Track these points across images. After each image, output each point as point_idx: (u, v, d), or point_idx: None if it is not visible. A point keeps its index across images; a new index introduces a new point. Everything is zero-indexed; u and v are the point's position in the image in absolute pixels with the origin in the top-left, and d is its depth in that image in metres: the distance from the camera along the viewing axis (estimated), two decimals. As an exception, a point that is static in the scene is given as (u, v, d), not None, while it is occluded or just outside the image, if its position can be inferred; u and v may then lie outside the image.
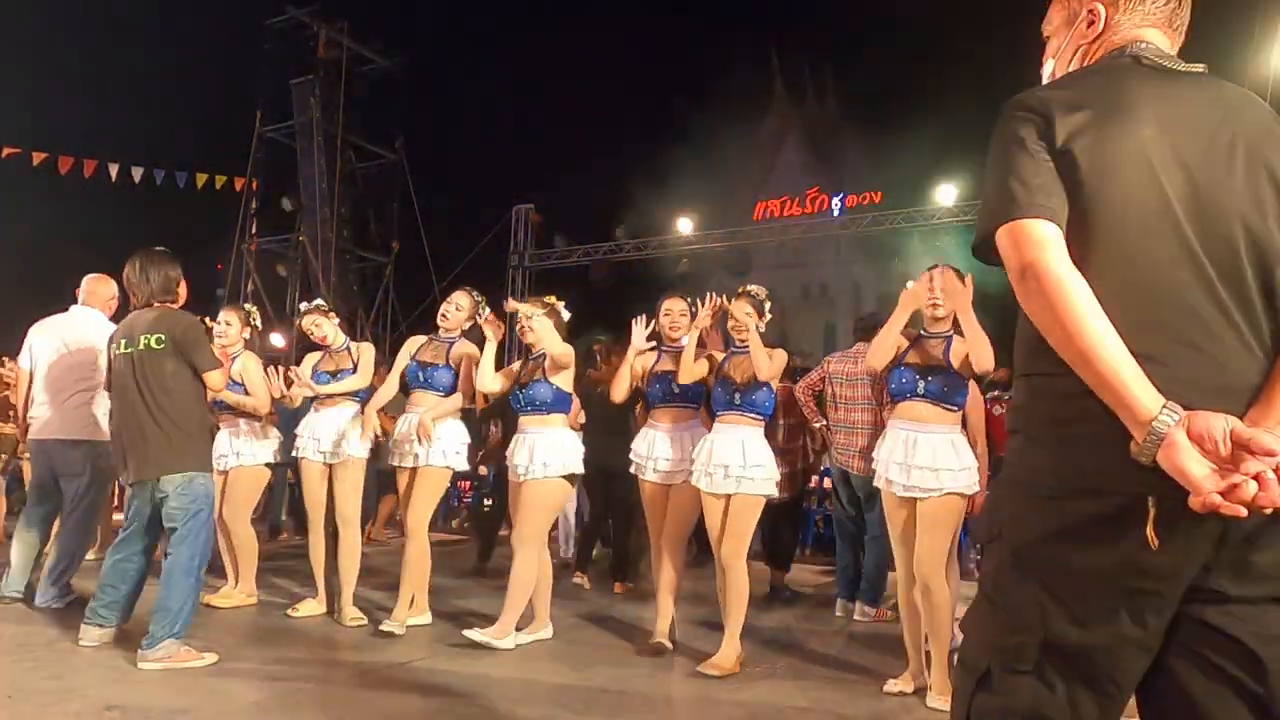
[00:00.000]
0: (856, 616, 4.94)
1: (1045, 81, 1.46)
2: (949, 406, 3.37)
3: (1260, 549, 1.14)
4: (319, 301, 4.87)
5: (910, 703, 3.34)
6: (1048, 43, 1.49)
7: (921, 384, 3.36)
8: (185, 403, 3.66)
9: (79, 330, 4.66)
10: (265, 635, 4.15)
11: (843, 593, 5.16)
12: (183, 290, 3.88)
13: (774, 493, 3.89)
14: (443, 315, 4.42)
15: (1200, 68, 1.33)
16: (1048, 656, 1.20)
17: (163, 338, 3.62)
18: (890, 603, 4.77)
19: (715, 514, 3.83)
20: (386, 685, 3.36)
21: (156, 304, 3.75)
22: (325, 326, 4.68)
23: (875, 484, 4.10)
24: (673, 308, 4.15)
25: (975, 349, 3.26)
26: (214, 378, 3.73)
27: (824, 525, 7.94)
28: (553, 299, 4.20)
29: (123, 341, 3.71)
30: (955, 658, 2.40)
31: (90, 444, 4.50)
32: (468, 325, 4.43)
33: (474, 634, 3.91)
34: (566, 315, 4.17)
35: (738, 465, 3.74)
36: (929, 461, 3.29)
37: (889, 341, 3.49)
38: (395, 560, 4.52)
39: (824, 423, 5.19)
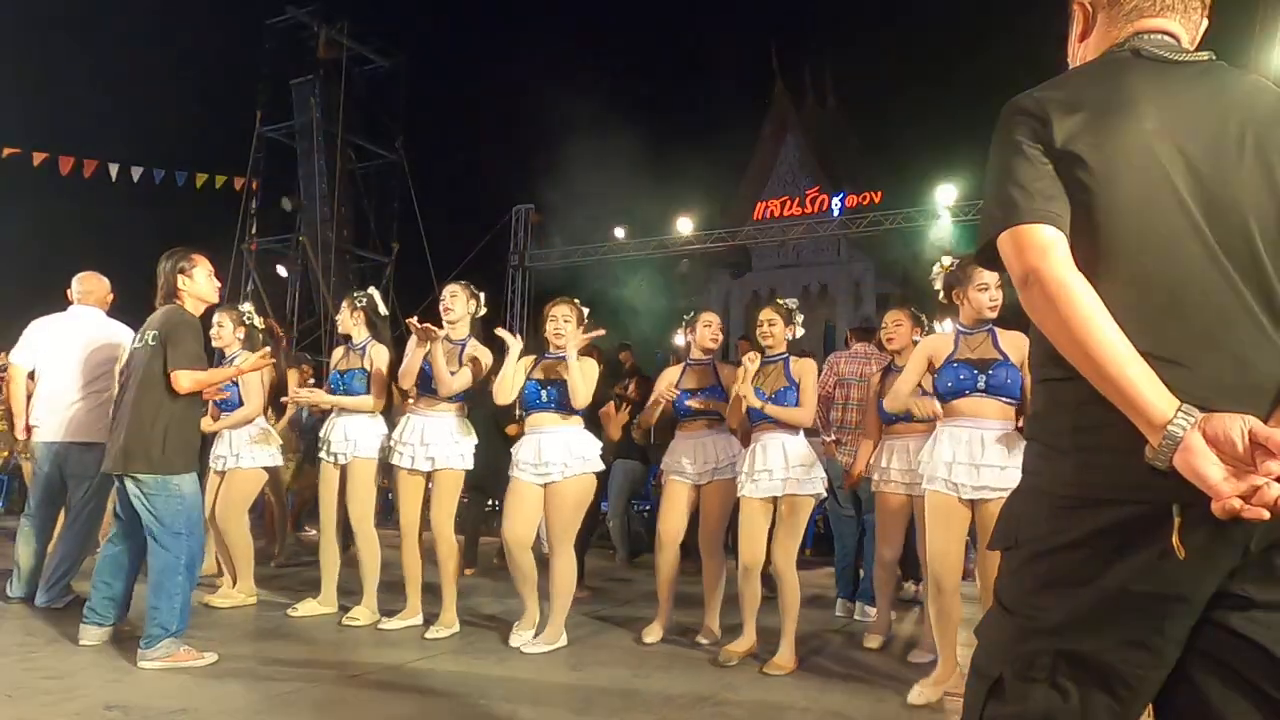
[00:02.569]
0: (857, 616, 4.94)
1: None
2: (1010, 401, 3.18)
3: None
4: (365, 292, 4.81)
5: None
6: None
7: (982, 378, 3.13)
8: (177, 403, 3.63)
9: (87, 330, 4.62)
10: (265, 635, 4.14)
11: (843, 593, 5.16)
12: (189, 288, 3.84)
13: (822, 492, 3.92)
14: (446, 309, 4.37)
15: (1206, 55, 1.28)
16: (1062, 664, 1.16)
17: (157, 334, 3.63)
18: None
19: (757, 520, 3.86)
20: (386, 685, 3.36)
21: (162, 302, 3.77)
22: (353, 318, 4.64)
23: (880, 489, 4.13)
24: (712, 320, 4.31)
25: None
26: (180, 377, 3.60)
27: (824, 525, 7.93)
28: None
29: (139, 337, 3.76)
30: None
31: (104, 447, 4.46)
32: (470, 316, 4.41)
33: (531, 648, 3.90)
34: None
35: (781, 469, 3.78)
36: (998, 459, 3.10)
37: (909, 388, 3.41)
38: (396, 559, 4.51)
39: (831, 439, 5.19)
